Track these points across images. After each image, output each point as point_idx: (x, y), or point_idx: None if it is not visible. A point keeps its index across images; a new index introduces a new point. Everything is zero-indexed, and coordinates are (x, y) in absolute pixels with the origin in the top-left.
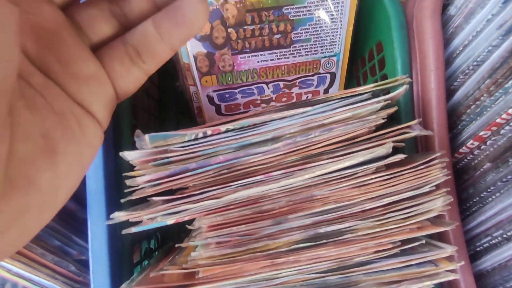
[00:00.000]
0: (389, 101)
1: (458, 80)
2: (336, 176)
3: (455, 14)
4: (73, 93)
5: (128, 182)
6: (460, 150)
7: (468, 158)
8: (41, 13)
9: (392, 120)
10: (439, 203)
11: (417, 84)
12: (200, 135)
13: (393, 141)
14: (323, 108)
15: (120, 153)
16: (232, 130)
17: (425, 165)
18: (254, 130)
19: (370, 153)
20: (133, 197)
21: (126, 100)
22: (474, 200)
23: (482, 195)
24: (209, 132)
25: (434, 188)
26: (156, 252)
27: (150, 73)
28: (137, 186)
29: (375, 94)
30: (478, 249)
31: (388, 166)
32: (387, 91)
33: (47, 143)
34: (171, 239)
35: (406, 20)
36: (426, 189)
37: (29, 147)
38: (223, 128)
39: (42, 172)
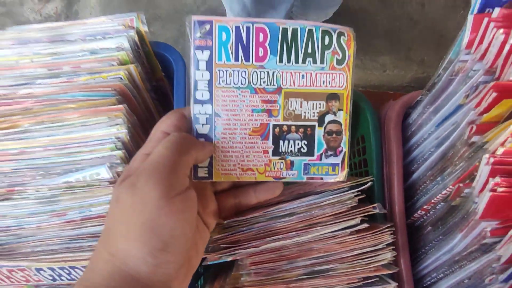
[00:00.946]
0: (359, 192)
1: (415, 165)
2: (326, 236)
3: (412, 122)
4: (205, 219)
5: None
6: (415, 215)
7: (420, 221)
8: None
9: (369, 191)
10: (389, 255)
11: (386, 168)
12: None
13: (361, 216)
14: (320, 196)
15: None
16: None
17: (380, 232)
18: (279, 209)
19: (346, 224)
20: (209, 245)
21: None
22: (423, 250)
23: (427, 247)
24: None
25: (385, 246)
26: (202, 276)
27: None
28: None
29: (352, 187)
30: (425, 285)
31: (358, 231)
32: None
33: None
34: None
35: (380, 123)
36: (379, 246)
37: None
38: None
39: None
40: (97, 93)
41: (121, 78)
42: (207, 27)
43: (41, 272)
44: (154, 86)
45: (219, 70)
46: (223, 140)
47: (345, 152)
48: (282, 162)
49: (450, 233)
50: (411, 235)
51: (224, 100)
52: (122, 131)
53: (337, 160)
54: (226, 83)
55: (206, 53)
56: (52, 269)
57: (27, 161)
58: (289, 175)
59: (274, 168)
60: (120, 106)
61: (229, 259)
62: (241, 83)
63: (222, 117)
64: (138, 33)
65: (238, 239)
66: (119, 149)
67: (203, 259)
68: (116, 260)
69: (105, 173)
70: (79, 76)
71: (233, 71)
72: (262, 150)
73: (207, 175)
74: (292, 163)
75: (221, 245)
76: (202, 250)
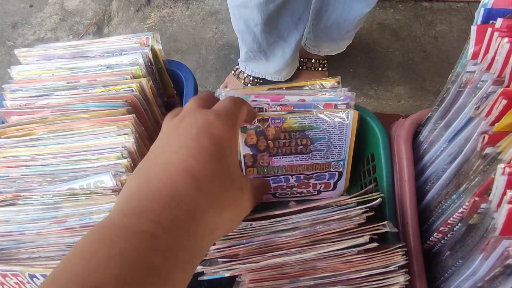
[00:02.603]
0: (368, 209)
1: (429, 184)
2: (331, 254)
3: (423, 140)
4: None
5: None
6: (432, 238)
7: (438, 245)
8: None
9: (380, 211)
10: (402, 279)
11: (397, 188)
12: (248, 225)
13: (370, 234)
14: (325, 211)
15: None
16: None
17: (391, 252)
18: (282, 222)
19: (353, 242)
20: (206, 257)
21: None
22: (442, 278)
23: (446, 274)
24: (254, 224)
25: (397, 268)
26: None
27: None
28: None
29: (360, 203)
30: None
31: (367, 250)
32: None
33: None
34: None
35: (390, 141)
36: (391, 268)
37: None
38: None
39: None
40: (109, 104)
41: (132, 90)
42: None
43: (34, 279)
44: (165, 102)
45: None
46: None
47: None
48: None
49: (470, 255)
50: (429, 262)
51: None
52: (129, 141)
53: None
54: None
55: None
56: (45, 276)
57: (36, 167)
58: None
59: None
60: (129, 116)
61: (227, 274)
62: None
63: None
64: (153, 50)
65: (237, 252)
66: (125, 157)
67: (201, 274)
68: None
69: (109, 180)
70: (94, 88)
71: None
72: None
73: None
74: None
75: (219, 259)
76: None
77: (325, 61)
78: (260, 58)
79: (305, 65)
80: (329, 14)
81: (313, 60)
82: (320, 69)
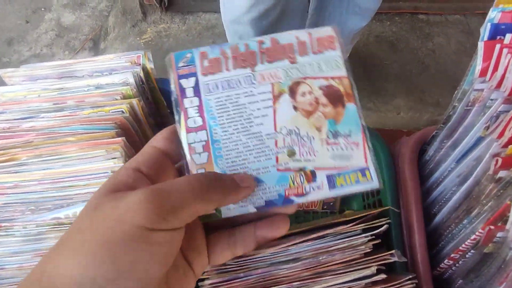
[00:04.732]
0: (374, 237)
1: (436, 207)
2: None
3: (429, 159)
4: (189, 259)
5: (199, 283)
6: (442, 265)
7: (449, 272)
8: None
9: (386, 235)
10: None
11: (404, 211)
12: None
13: (377, 265)
14: (328, 239)
15: None
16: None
17: (400, 285)
18: (282, 253)
19: (360, 273)
20: None
21: None
22: None
23: None
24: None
25: None
26: None
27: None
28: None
29: (365, 230)
30: None
31: (374, 283)
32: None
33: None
34: None
35: (393, 159)
36: None
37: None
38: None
39: None
40: (98, 126)
41: (122, 111)
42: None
43: None
44: (159, 122)
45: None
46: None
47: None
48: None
49: (487, 287)
50: None
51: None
52: (119, 165)
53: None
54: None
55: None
56: None
57: (19, 195)
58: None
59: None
60: (119, 139)
61: None
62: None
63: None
64: (144, 69)
65: (235, 286)
66: None
67: None
68: (43, 279)
69: None
70: (82, 110)
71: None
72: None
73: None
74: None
75: None
76: None
77: None
78: None
79: None
80: None
81: None
82: None
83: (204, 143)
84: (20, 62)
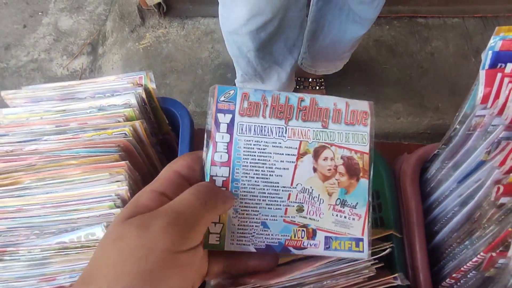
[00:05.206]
0: (377, 260)
1: (437, 225)
2: None
3: (430, 178)
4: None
5: None
6: (443, 283)
7: None
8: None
9: (389, 257)
10: None
11: (405, 229)
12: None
13: None
14: (331, 264)
15: None
16: None
17: None
18: (283, 281)
19: None
20: None
21: None
22: None
23: None
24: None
25: None
26: None
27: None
28: None
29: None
30: None
31: None
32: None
33: None
34: None
35: (395, 176)
36: None
37: None
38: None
39: None
40: (101, 149)
41: (126, 134)
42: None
43: None
44: (160, 140)
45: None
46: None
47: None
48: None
49: None
50: None
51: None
52: (122, 188)
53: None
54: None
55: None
56: None
57: (23, 219)
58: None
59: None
60: (123, 162)
61: None
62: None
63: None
64: (146, 90)
65: None
66: (118, 207)
67: None
68: None
69: (101, 233)
70: (85, 132)
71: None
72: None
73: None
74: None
75: None
76: None
77: (323, 80)
78: (256, 81)
79: (303, 84)
80: (324, 35)
81: (310, 80)
82: (317, 87)
83: (224, 178)
84: (18, 68)
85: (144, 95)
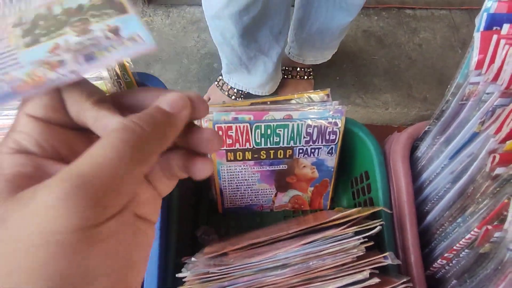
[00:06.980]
0: (367, 239)
1: (428, 205)
2: None
3: (421, 156)
4: (138, 212)
5: None
6: (435, 265)
7: (442, 272)
8: None
9: (379, 237)
10: None
11: (395, 209)
12: (230, 261)
13: (370, 269)
14: (318, 243)
15: (177, 275)
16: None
17: None
18: (269, 258)
19: (352, 278)
20: None
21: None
22: None
23: None
24: (234, 258)
25: None
26: None
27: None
28: None
29: (357, 232)
30: None
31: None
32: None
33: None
34: None
35: (385, 157)
36: None
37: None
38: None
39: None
40: None
41: None
42: None
43: None
44: None
45: None
46: None
47: None
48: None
49: None
50: None
51: None
52: None
53: None
54: None
55: None
56: None
57: None
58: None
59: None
60: None
61: None
62: None
63: None
64: (120, 63)
65: None
66: None
67: None
68: None
69: None
70: None
71: None
72: None
73: None
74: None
75: None
76: (143, 256)
77: (311, 69)
78: (242, 71)
79: (290, 73)
80: (311, 23)
81: (298, 69)
82: (305, 77)
83: None
84: None
85: (117, 68)
